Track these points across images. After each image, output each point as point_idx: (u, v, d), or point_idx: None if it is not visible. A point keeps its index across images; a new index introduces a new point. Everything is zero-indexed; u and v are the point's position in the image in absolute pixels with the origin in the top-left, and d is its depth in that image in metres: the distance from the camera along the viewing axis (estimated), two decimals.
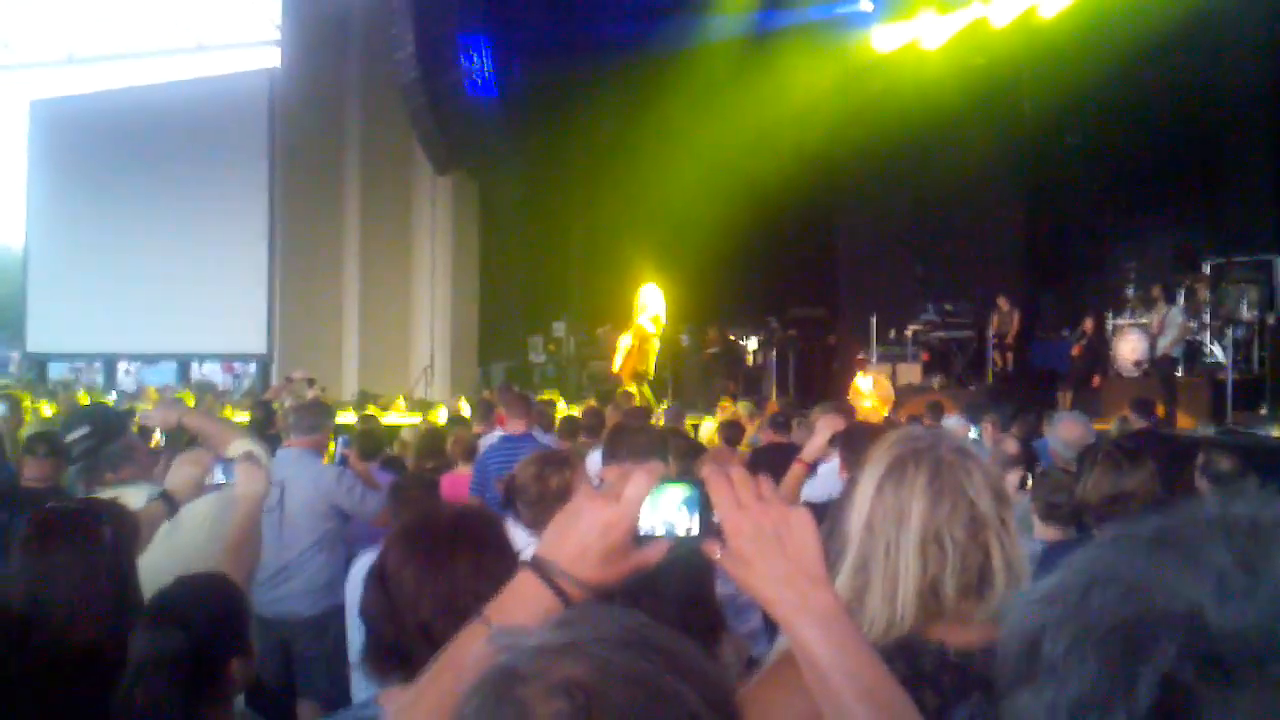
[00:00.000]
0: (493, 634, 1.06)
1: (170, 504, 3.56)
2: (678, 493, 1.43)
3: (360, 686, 4.07)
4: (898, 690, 1.39)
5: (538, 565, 1.41)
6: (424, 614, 2.12)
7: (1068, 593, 0.89)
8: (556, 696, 0.93)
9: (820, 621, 1.36)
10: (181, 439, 6.70)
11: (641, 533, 1.41)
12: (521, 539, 3.59)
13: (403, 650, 2.13)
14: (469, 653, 1.37)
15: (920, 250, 19.40)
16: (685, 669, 0.99)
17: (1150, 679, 0.79)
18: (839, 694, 1.34)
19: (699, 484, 1.43)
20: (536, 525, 3.86)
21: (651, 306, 19.31)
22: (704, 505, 1.42)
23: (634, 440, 4.29)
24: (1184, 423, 13.93)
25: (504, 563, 2.16)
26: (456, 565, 2.16)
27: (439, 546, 2.20)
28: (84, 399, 13.94)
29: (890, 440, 2.14)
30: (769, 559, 1.38)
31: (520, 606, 1.39)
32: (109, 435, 4.58)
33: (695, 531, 1.42)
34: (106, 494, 4.30)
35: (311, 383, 15.38)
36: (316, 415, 6.67)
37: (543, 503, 3.88)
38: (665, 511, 1.42)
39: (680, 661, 1.00)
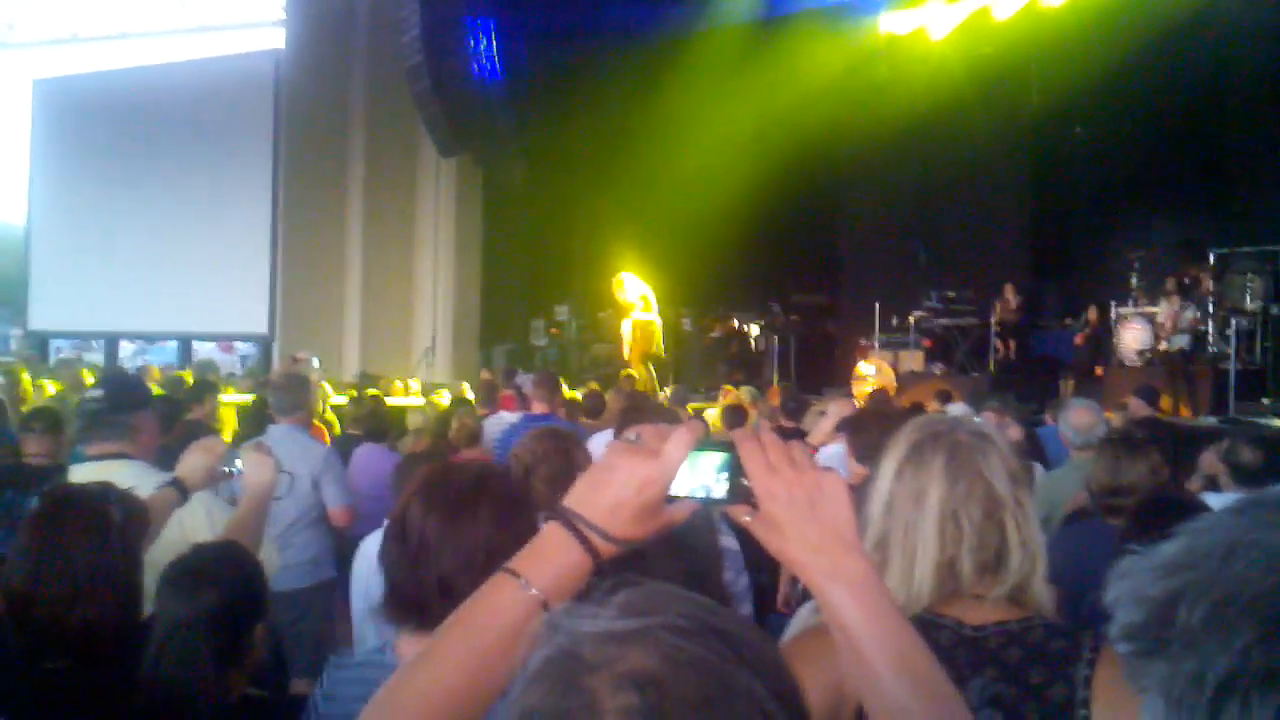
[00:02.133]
0: (554, 612, 1.03)
1: (181, 491, 3.56)
2: (709, 457, 1.41)
3: (370, 637, 4.08)
4: (929, 657, 1.38)
5: (567, 517, 1.39)
6: (445, 567, 2.13)
7: (1203, 559, 0.87)
8: (625, 689, 0.91)
9: (852, 587, 1.34)
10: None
11: (670, 494, 1.39)
12: None
13: (420, 602, 2.14)
14: (495, 605, 1.36)
15: (924, 237, 19.36)
16: (753, 659, 0.97)
17: None
18: (871, 660, 1.33)
19: (730, 449, 1.41)
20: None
21: (634, 292, 19.35)
22: (734, 470, 1.40)
23: (648, 419, 4.28)
24: (1184, 413, 13.94)
25: (525, 518, 2.17)
26: (478, 520, 2.16)
27: (461, 501, 2.20)
28: (87, 375, 13.92)
29: (911, 426, 2.19)
30: (801, 524, 1.35)
31: (548, 559, 1.37)
32: (120, 405, 4.55)
33: (724, 495, 1.40)
34: (91, 465, 4.31)
35: (316, 363, 15.39)
36: (296, 393, 6.66)
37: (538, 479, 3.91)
38: (696, 474, 1.40)
39: (748, 651, 0.98)
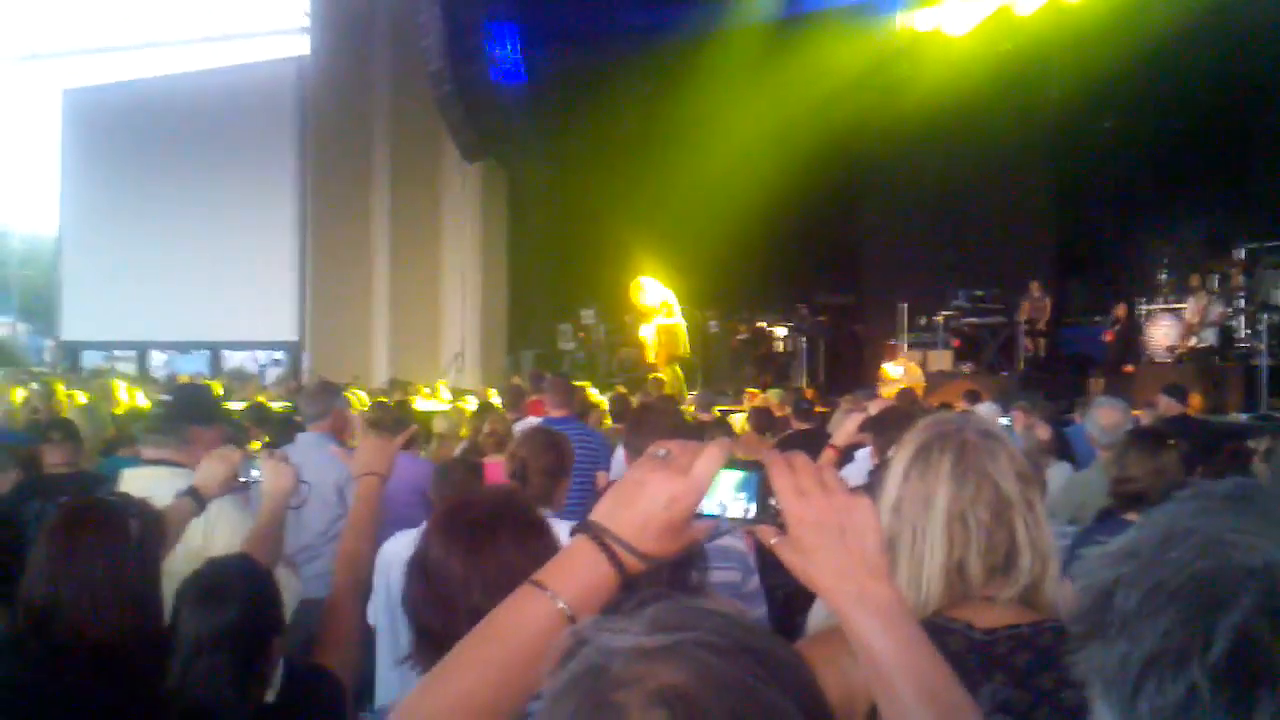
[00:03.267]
0: (583, 625, 1.02)
1: (198, 500, 3.56)
2: (733, 475, 1.39)
3: (390, 685, 4.05)
4: (957, 686, 1.37)
5: (596, 532, 1.38)
6: (474, 599, 2.09)
7: (1142, 548, 0.89)
8: (655, 705, 0.90)
9: (879, 615, 1.34)
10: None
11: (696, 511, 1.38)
12: None
13: (455, 639, 2.12)
14: (521, 616, 1.36)
15: (950, 236, 19.31)
16: (783, 677, 0.97)
17: (1226, 631, 0.80)
18: (896, 688, 1.33)
19: (757, 468, 1.39)
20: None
21: (654, 296, 19.38)
22: (761, 489, 1.38)
23: (658, 423, 4.30)
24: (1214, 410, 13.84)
25: (546, 542, 2.16)
26: (501, 547, 2.14)
27: (480, 530, 2.19)
28: (118, 386, 14.04)
29: (919, 426, 2.17)
30: (829, 549, 1.34)
31: (575, 572, 1.37)
32: (181, 415, 4.57)
33: (751, 515, 1.39)
34: (141, 469, 4.35)
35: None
36: (323, 399, 6.60)
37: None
38: (719, 492, 1.39)
39: (779, 669, 0.97)
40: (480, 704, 1.33)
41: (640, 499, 1.38)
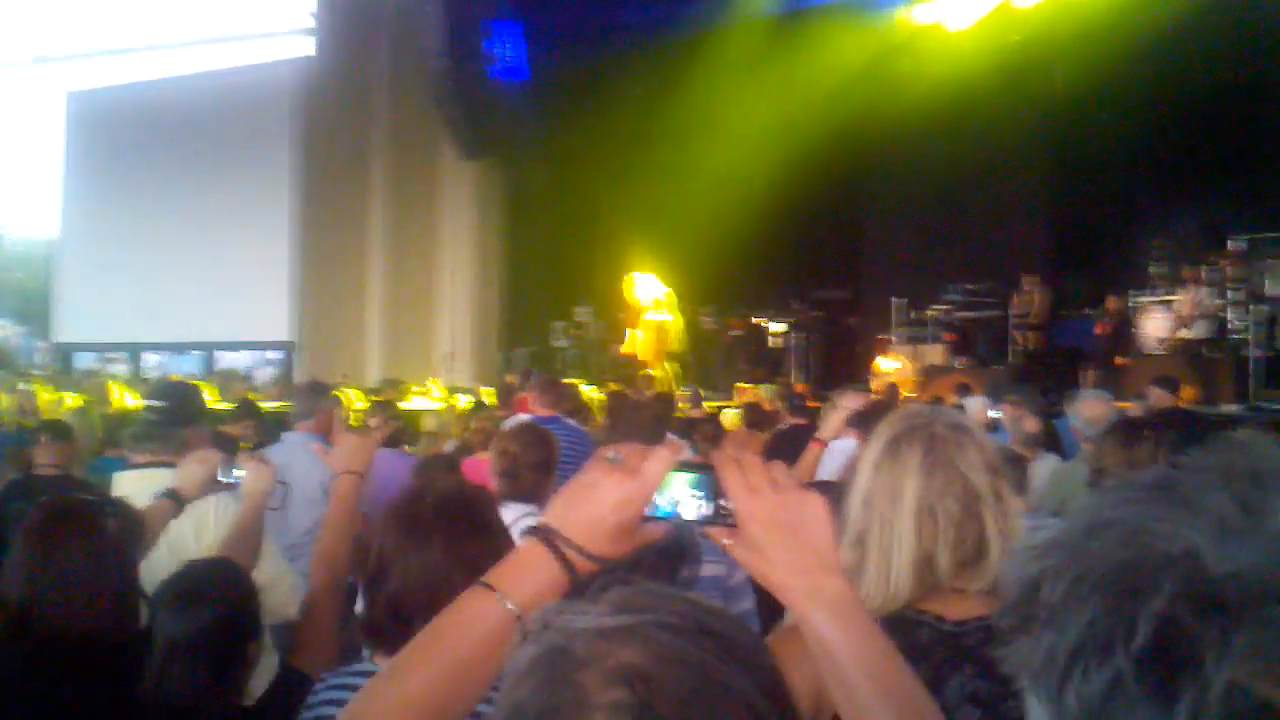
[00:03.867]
0: (545, 610, 1.03)
1: (176, 501, 3.56)
2: (688, 476, 1.41)
3: None
4: (911, 677, 1.37)
5: (546, 534, 1.39)
6: (392, 588, 2.15)
7: (1067, 540, 0.89)
8: (615, 684, 0.92)
9: (832, 608, 1.34)
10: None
11: (648, 512, 1.39)
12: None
13: (375, 623, 2.18)
14: (470, 618, 1.36)
15: (945, 230, 19.27)
16: (742, 657, 0.98)
17: (1148, 619, 0.80)
18: (851, 681, 1.33)
19: (709, 469, 1.40)
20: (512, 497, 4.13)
21: (646, 294, 19.38)
22: (715, 489, 1.39)
23: (634, 416, 4.34)
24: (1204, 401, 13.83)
25: (489, 543, 2.17)
26: (431, 544, 2.17)
27: (417, 524, 2.21)
28: (113, 388, 14.06)
29: (889, 420, 2.17)
30: (781, 545, 1.35)
31: (525, 574, 1.37)
32: (176, 419, 4.55)
33: (705, 515, 1.40)
34: (136, 473, 4.34)
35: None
36: (311, 398, 6.57)
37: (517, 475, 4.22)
38: (673, 492, 1.40)
39: (738, 650, 0.98)
40: (429, 705, 1.33)
41: (590, 501, 1.39)
